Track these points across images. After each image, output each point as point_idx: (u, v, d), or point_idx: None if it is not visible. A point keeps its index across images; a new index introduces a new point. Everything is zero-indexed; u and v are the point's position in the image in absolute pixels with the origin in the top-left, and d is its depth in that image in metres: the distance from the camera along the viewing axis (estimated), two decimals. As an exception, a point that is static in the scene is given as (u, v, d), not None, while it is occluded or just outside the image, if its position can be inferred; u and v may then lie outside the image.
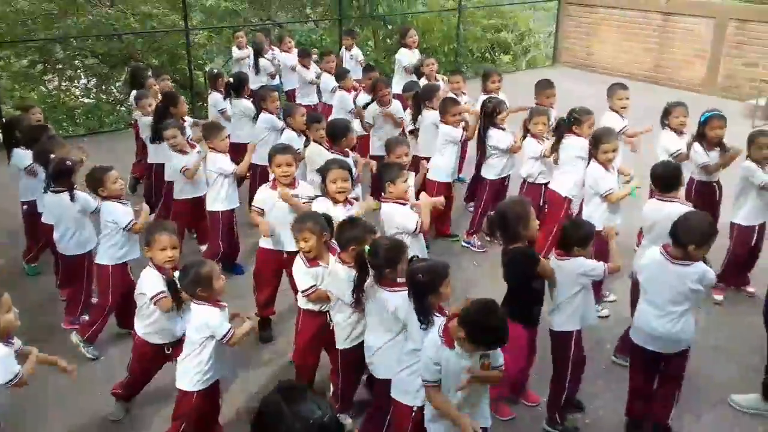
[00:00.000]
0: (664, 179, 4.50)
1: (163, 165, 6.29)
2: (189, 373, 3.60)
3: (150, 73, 8.12)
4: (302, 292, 3.99)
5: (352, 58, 9.63)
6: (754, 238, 5.22)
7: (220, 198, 5.58)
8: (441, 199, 4.99)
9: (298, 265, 4.00)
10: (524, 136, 5.92)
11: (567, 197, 5.65)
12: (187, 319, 3.64)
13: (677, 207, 4.26)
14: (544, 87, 6.50)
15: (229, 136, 5.94)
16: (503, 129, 6.11)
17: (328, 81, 8.25)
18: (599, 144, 5.02)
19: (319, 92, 8.76)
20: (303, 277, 3.97)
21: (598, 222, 4.77)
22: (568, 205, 5.67)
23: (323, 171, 4.56)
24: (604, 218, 4.97)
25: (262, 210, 4.73)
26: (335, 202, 4.47)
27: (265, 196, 4.76)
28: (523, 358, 4.01)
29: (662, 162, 4.82)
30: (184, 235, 5.91)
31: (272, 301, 4.97)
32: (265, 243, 4.81)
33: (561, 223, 4.66)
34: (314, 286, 3.94)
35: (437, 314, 3.29)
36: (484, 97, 6.73)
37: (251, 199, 6.66)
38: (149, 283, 3.88)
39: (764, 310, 4.10)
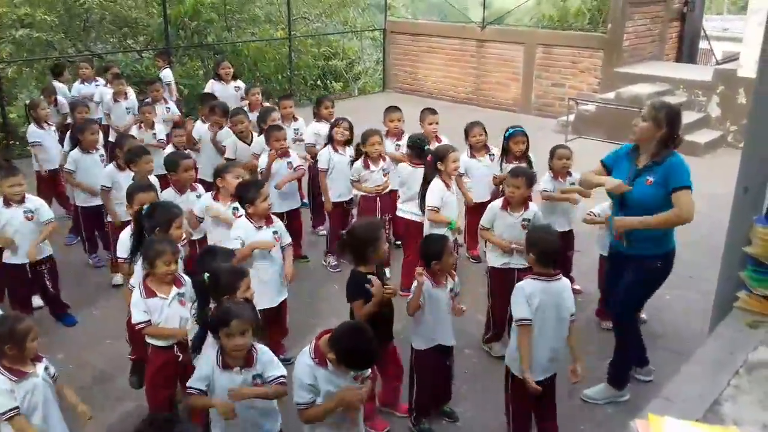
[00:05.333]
0: None
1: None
2: None
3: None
4: (135, 325, 3.78)
5: (162, 79, 9.59)
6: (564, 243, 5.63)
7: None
8: None
9: (135, 296, 3.80)
10: (356, 158, 6.05)
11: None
12: None
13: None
14: (391, 111, 6.70)
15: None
16: (340, 152, 6.19)
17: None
18: (446, 156, 5.14)
19: None
20: (137, 310, 3.76)
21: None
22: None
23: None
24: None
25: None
26: None
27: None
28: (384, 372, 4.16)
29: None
30: None
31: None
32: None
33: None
34: (148, 321, 3.75)
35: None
36: (317, 124, 6.92)
37: (89, 241, 6.36)
38: None
39: (626, 315, 4.46)
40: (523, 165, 5.66)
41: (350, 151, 6.23)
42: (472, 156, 6.12)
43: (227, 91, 8.65)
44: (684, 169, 3.95)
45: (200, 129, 7.06)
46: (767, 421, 2.09)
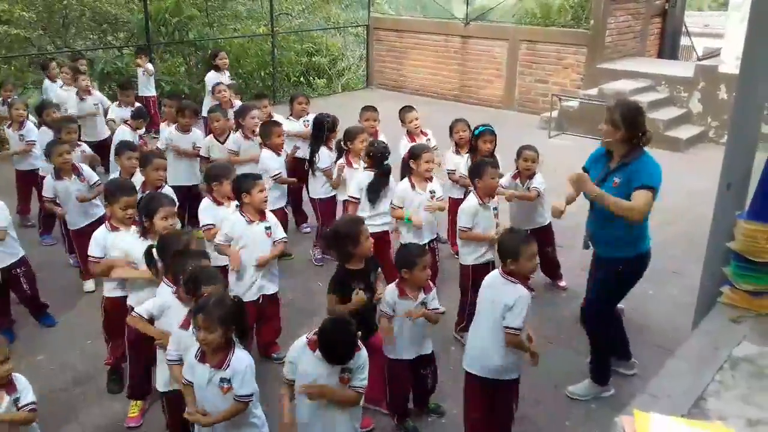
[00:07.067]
0: None
1: None
2: None
3: None
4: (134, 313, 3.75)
5: (144, 73, 9.62)
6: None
7: None
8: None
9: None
10: (339, 156, 6.01)
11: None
12: None
13: None
14: (367, 110, 6.63)
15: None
16: (331, 149, 6.18)
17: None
18: (420, 155, 5.12)
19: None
20: (150, 303, 3.73)
21: (421, 238, 5.08)
22: None
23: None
24: (426, 232, 5.21)
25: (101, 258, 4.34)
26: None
27: (112, 241, 4.34)
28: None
29: None
30: None
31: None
32: (114, 292, 4.40)
33: None
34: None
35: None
36: (287, 121, 6.85)
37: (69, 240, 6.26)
38: None
39: (597, 313, 4.50)
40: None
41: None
42: (458, 152, 6.10)
43: (224, 81, 8.60)
44: (649, 169, 3.90)
45: (164, 132, 6.89)
46: (751, 416, 2.10)
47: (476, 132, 5.85)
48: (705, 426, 2.01)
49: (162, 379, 3.72)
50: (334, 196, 6.23)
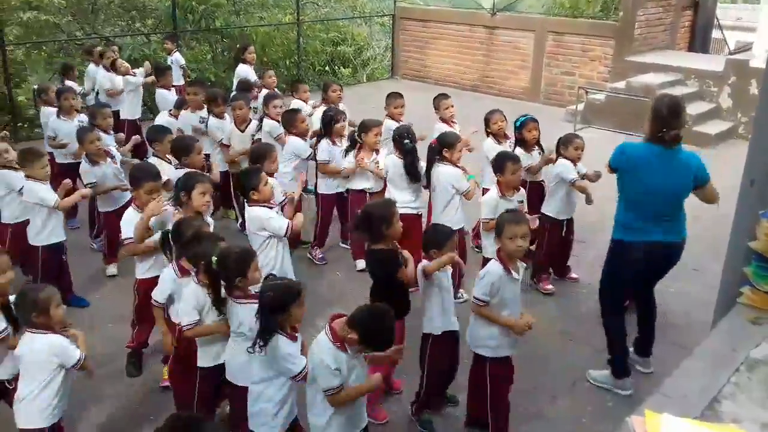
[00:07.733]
0: None
1: None
2: (36, 410, 3.31)
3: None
4: (186, 326, 3.62)
5: (174, 63, 9.68)
6: (564, 230, 5.62)
7: (43, 232, 5.12)
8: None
9: (189, 287, 3.64)
10: (350, 148, 5.97)
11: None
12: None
13: None
14: (393, 98, 6.66)
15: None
16: (333, 142, 6.07)
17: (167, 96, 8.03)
18: (453, 145, 5.17)
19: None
20: (187, 306, 3.62)
21: (456, 224, 5.05)
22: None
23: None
24: (462, 218, 5.26)
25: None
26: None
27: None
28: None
29: None
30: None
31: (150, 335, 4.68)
32: (147, 274, 4.43)
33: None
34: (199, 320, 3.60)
35: (285, 335, 3.22)
36: (323, 107, 6.86)
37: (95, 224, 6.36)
38: None
39: (600, 300, 4.51)
40: (509, 150, 5.62)
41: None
42: (499, 143, 6.00)
43: (251, 75, 8.83)
44: (615, 150, 4.21)
45: (187, 118, 6.94)
46: (766, 420, 2.06)
47: (518, 123, 5.85)
48: (718, 428, 1.98)
49: (206, 356, 3.71)
50: (337, 193, 6.20)
